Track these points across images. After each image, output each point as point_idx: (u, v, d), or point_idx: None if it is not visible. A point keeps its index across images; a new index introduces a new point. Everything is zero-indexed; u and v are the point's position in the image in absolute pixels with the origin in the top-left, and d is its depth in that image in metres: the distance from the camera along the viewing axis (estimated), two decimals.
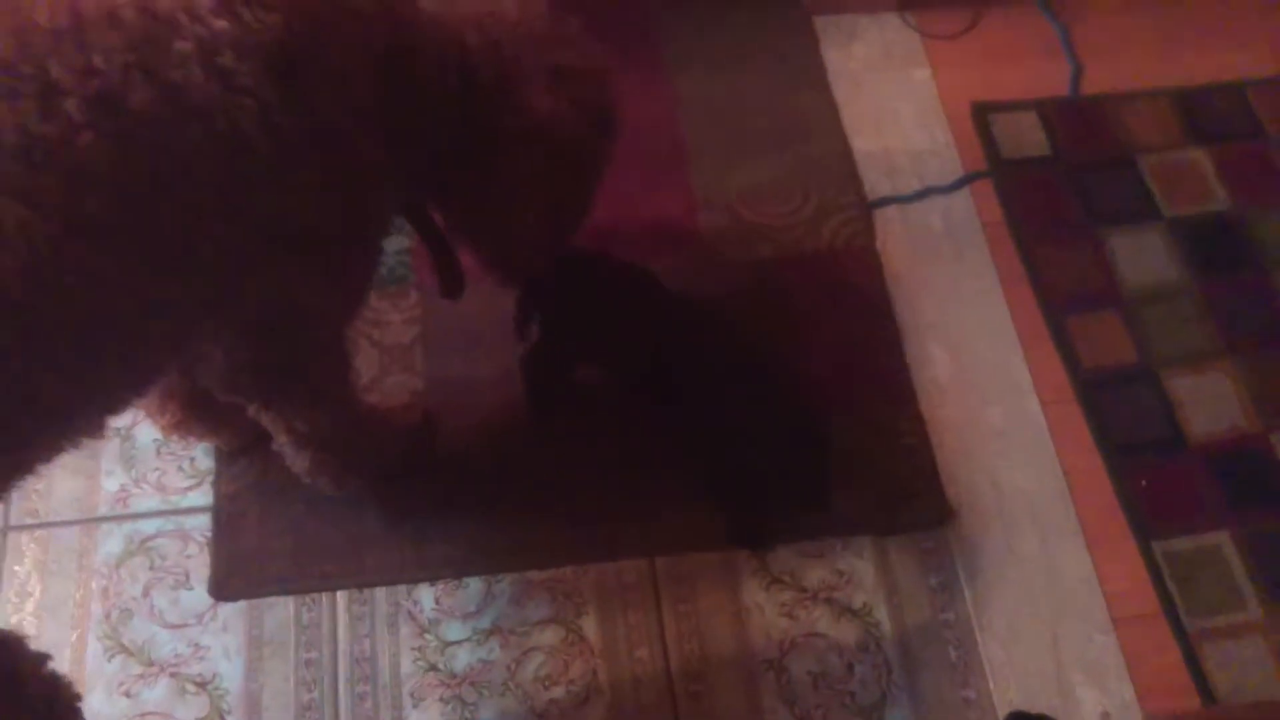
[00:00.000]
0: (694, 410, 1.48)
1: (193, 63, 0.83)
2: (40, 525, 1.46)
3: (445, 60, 1.08)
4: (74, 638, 1.40)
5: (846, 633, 1.44)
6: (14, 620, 1.39)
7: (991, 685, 1.41)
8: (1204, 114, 1.88)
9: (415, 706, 1.37)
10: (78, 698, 1.04)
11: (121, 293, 0.87)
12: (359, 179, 1.00)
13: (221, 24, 0.84)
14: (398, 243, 1.64)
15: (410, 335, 1.60)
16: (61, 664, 1.35)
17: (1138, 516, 1.53)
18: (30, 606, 1.41)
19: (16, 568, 1.43)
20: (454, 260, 1.34)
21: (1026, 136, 1.85)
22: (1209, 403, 1.62)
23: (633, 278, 1.45)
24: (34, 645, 1.36)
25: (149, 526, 1.47)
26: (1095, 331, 1.68)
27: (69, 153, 0.79)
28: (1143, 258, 1.74)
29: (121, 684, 1.37)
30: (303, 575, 1.44)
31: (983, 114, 1.87)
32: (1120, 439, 1.59)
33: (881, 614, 1.45)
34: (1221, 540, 1.52)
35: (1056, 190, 1.80)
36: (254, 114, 0.86)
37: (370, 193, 1.04)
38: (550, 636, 1.42)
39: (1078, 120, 1.87)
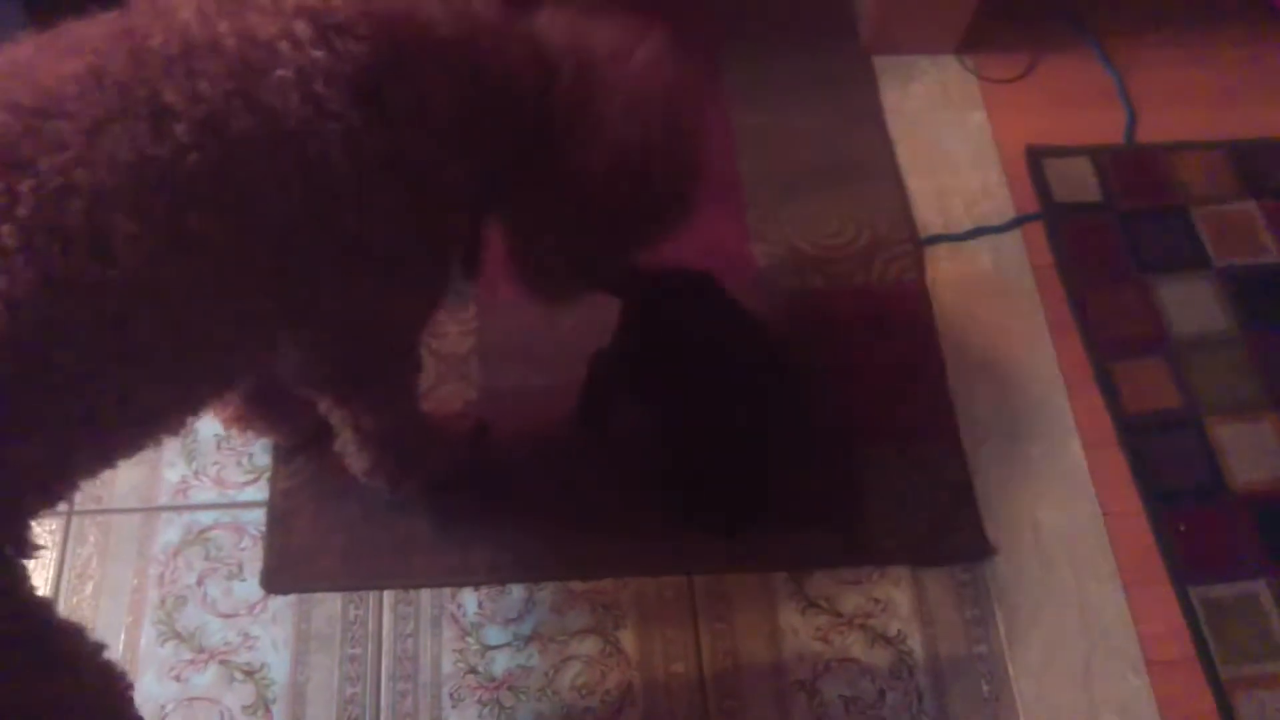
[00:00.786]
0: (733, 432, 1.51)
1: (291, 89, 0.87)
2: (103, 511, 1.52)
3: (521, 72, 1.08)
4: (129, 621, 1.44)
5: (880, 659, 1.46)
6: (73, 601, 1.45)
7: None
8: (1258, 167, 1.90)
9: (454, 707, 1.40)
10: (130, 688, 1.07)
11: (215, 304, 0.91)
12: (437, 200, 1.03)
13: (319, 54, 0.88)
14: None
15: (466, 346, 1.64)
16: (116, 647, 1.42)
17: (1175, 561, 1.54)
18: (89, 589, 1.46)
19: (79, 550, 1.48)
20: (479, 250, 1.28)
21: (1079, 182, 1.88)
22: (1252, 452, 1.63)
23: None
24: (87, 626, 1.41)
25: (206, 518, 1.52)
26: (1140, 377, 1.69)
27: (176, 173, 0.83)
28: (1191, 306, 1.76)
29: (172, 668, 1.42)
30: (351, 573, 1.48)
31: (1036, 158, 1.89)
32: (1161, 484, 1.60)
33: (915, 643, 1.47)
34: (1259, 590, 1.52)
35: (1107, 236, 1.82)
36: (341, 138, 0.90)
37: (447, 213, 1.07)
38: (588, 646, 1.45)
39: (1131, 168, 1.90)
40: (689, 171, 1.21)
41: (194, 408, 1.05)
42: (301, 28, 0.88)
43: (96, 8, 0.90)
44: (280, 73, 0.87)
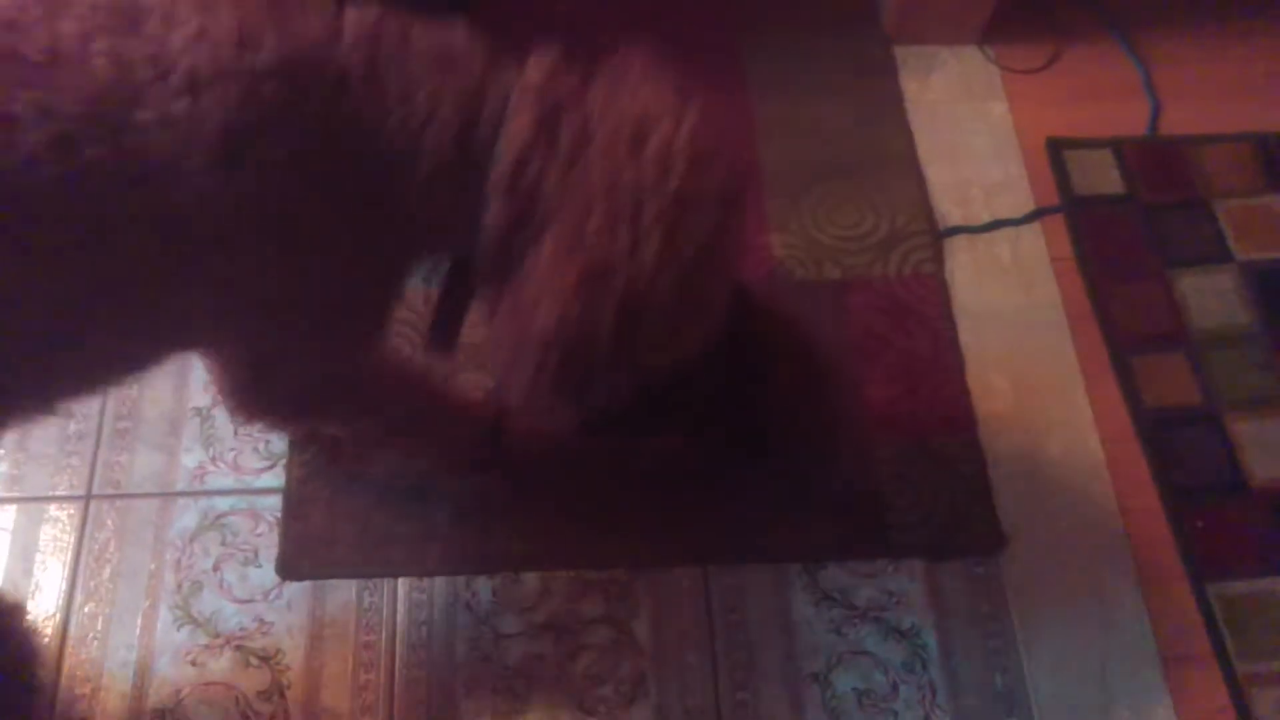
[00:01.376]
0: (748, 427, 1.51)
1: (151, 134, 0.82)
2: (121, 496, 1.53)
3: (427, 136, 0.90)
4: (146, 605, 1.45)
5: (893, 652, 1.46)
6: (91, 585, 1.46)
7: (1036, 715, 1.42)
8: None
9: (468, 695, 1.41)
10: (42, 665, 1.06)
11: (83, 316, 0.89)
12: (322, 256, 0.95)
13: (181, 105, 0.82)
14: None
15: (485, 335, 1.64)
16: (133, 630, 1.43)
17: (1193, 558, 1.53)
18: (107, 573, 1.47)
19: (97, 535, 1.49)
20: (456, 320, 1.11)
21: (1101, 174, 1.86)
22: (1272, 449, 1.61)
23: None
24: (104, 609, 1.43)
25: (223, 504, 1.53)
26: (1160, 371, 1.68)
27: (24, 184, 0.81)
28: (1213, 301, 1.74)
29: (189, 653, 1.43)
30: (366, 561, 1.48)
31: (1057, 149, 1.88)
32: (1179, 480, 1.59)
33: (929, 636, 1.47)
34: (1278, 587, 1.51)
35: (1128, 229, 1.81)
36: (196, 198, 0.85)
37: (343, 266, 0.97)
38: (602, 636, 1.45)
39: (1154, 160, 1.88)
40: (706, 309, 0.95)
41: (92, 390, 1.04)
42: (174, 77, 0.83)
43: None
44: (140, 114, 0.82)
